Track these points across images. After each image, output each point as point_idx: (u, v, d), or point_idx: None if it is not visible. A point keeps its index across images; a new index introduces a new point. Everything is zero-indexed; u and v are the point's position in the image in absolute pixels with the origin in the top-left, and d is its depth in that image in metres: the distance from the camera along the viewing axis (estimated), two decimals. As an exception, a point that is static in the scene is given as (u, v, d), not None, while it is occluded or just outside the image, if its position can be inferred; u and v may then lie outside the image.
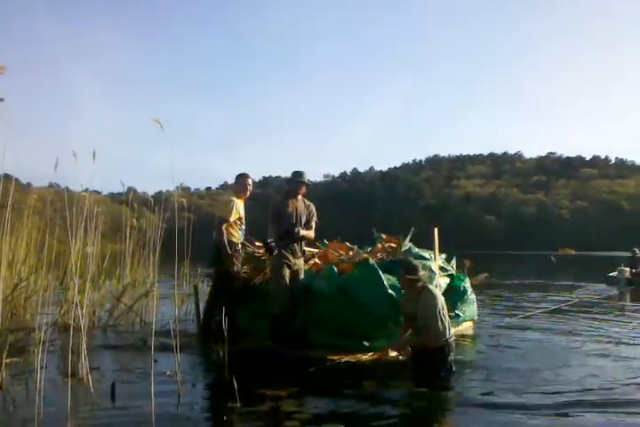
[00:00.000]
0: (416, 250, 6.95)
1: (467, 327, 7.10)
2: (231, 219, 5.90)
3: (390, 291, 5.56)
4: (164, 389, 4.09)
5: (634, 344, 6.59)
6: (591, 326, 7.89)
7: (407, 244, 7.09)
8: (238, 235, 6.06)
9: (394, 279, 5.70)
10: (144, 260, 7.93)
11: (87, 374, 4.01)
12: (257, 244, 6.77)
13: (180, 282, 7.77)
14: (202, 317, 6.43)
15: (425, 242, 7.30)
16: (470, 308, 6.93)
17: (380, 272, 5.71)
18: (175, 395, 3.95)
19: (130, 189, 11.10)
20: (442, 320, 4.69)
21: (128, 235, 8.01)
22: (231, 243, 5.93)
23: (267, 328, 5.85)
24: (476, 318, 7.33)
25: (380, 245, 7.23)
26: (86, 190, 7.06)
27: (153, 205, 8.57)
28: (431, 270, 6.30)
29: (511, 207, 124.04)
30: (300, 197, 6.04)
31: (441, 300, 4.82)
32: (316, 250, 7.00)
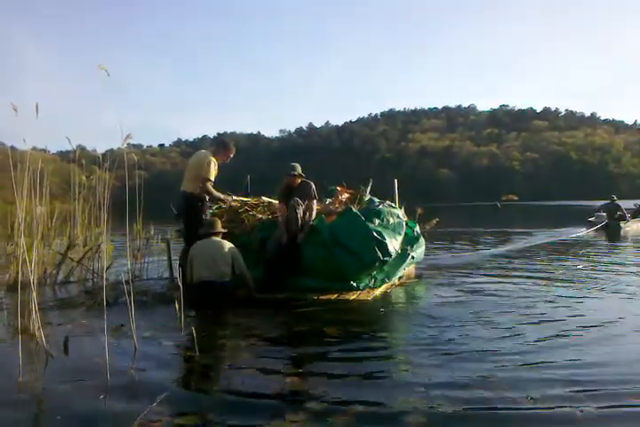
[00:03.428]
0: (377, 200, 7.28)
1: (412, 268, 7.70)
2: (213, 179, 6.21)
3: (375, 234, 6.07)
4: (120, 342, 4.09)
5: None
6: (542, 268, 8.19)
7: (368, 195, 7.49)
8: None
9: (373, 226, 6.29)
10: (95, 217, 7.76)
11: (38, 330, 3.94)
12: (234, 197, 7.05)
13: (134, 238, 7.68)
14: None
15: (381, 193, 7.61)
16: (420, 251, 7.44)
17: (363, 218, 6.22)
18: (131, 348, 3.93)
19: (78, 146, 10.71)
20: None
21: (77, 193, 7.79)
22: (203, 198, 6.25)
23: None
24: (421, 260, 7.80)
25: (339, 197, 7.50)
26: (34, 149, 6.83)
27: (101, 161, 8.29)
28: (399, 217, 6.88)
29: (464, 160, 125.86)
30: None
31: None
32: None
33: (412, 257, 7.09)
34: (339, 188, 7.83)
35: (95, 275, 7.15)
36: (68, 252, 7.22)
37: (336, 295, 5.87)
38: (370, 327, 4.87)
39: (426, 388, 3.10)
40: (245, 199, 7.15)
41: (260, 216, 6.80)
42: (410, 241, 7.09)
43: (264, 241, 6.33)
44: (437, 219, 8.95)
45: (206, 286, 5.51)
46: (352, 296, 5.86)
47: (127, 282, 4.06)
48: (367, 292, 6.06)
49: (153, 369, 3.61)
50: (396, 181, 8.30)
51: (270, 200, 7.11)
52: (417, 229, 7.49)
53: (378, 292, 6.17)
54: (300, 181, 6.56)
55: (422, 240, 7.52)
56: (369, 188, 7.67)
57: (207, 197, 6.30)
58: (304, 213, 6.23)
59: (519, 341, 4.12)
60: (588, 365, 3.52)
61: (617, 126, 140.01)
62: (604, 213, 17.53)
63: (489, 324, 4.66)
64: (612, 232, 16.13)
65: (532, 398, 2.92)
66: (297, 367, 3.64)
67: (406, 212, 7.63)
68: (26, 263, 4.33)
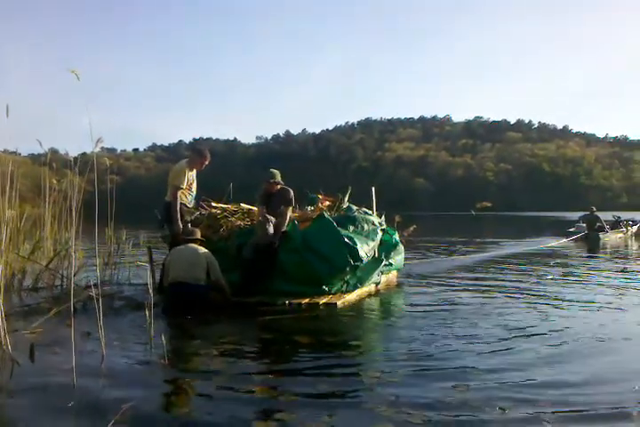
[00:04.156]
0: (355, 208, 7.39)
1: (393, 276, 7.91)
2: (183, 186, 6.39)
3: (346, 240, 6.15)
4: (87, 350, 4.00)
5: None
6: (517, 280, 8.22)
7: (346, 202, 7.64)
8: (187, 200, 6.58)
9: (346, 232, 6.40)
10: (65, 221, 7.61)
11: (4, 337, 3.84)
12: (214, 204, 7.18)
13: (105, 242, 7.56)
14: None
15: (358, 202, 7.74)
16: (399, 258, 7.64)
17: (335, 224, 6.31)
18: (99, 355, 3.85)
19: (50, 149, 10.51)
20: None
21: (48, 196, 7.64)
22: (182, 205, 6.42)
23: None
24: (401, 267, 8.03)
25: (319, 205, 7.65)
26: (5, 151, 6.73)
27: (73, 164, 8.14)
28: (374, 224, 6.97)
29: (440, 170, 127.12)
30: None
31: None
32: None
33: (390, 264, 7.23)
34: (320, 195, 7.94)
35: (64, 280, 7.00)
36: (35, 256, 7.07)
37: (308, 299, 5.93)
38: (342, 338, 4.84)
39: (396, 402, 3.05)
40: (225, 206, 7.24)
41: (239, 223, 6.85)
42: (388, 248, 7.19)
43: (241, 247, 6.38)
44: (415, 226, 9.08)
45: (181, 286, 5.57)
46: (323, 300, 5.94)
47: (96, 287, 3.98)
48: (339, 296, 6.16)
49: (120, 378, 3.53)
50: (373, 189, 8.47)
51: (250, 207, 7.14)
52: (396, 236, 7.60)
53: (352, 297, 6.25)
54: (278, 187, 6.66)
55: (401, 247, 7.66)
56: (347, 195, 7.74)
57: (185, 205, 6.40)
58: (277, 221, 6.30)
59: (494, 356, 4.00)
60: (564, 384, 3.37)
61: (588, 139, 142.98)
62: (584, 224, 18.03)
63: (463, 336, 4.59)
64: (592, 242, 16.60)
65: (501, 409, 2.90)
66: (266, 378, 3.58)
67: (385, 220, 7.71)
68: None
